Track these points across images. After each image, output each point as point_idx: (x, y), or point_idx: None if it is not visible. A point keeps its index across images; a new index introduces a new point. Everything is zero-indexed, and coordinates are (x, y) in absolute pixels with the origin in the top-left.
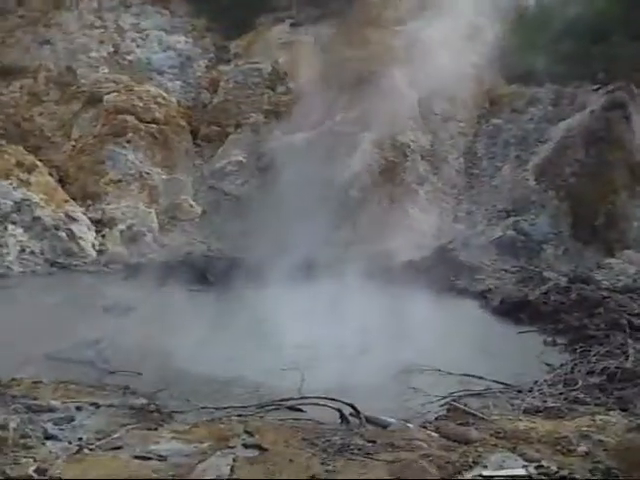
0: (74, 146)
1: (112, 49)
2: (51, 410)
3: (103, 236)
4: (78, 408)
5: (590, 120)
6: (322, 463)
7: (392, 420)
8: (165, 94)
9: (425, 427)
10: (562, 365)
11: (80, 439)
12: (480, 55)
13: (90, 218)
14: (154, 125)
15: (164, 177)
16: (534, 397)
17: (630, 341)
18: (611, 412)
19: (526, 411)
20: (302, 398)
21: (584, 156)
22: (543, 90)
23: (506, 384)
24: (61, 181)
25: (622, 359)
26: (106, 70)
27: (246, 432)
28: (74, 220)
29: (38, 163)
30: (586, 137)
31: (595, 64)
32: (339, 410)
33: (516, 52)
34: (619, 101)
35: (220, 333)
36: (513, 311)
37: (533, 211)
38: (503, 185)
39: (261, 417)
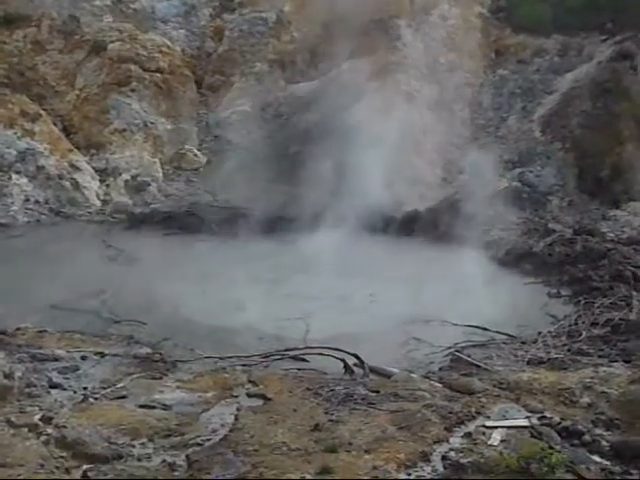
0: (78, 95)
1: None
2: (56, 359)
3: (107, 186)
4: (83, 357)
5: (597, 71)
6: (326, 412)
7: (396, 370)
8: (169, 43)
9: (428, 377)
10: (566, 317)
11: (85, 388)
12: (487, 5)
13: (94, 167)
14: (158, 74)
15: (168, 127)
16: (538, 348)
17: (634, 293)
18: (614, 364)
19: (529, 362)
20: (306, 348)
21: (590, 107)
22: (550, 41)
23: (510, 335)
24: (65, 130)
25: (626, 311)
26: (110, 19)
27: (250, 381)
28: (78, 169)
29: (42, 112)
30: (593, 88)
31: (603, 15)
32: (343, 360)
33: (523, 2)
34: (627, 52)
35: (224, 283)
36: (518, 262)
37: (539, 162)
38: (509, 136)
39: (265, 367)
